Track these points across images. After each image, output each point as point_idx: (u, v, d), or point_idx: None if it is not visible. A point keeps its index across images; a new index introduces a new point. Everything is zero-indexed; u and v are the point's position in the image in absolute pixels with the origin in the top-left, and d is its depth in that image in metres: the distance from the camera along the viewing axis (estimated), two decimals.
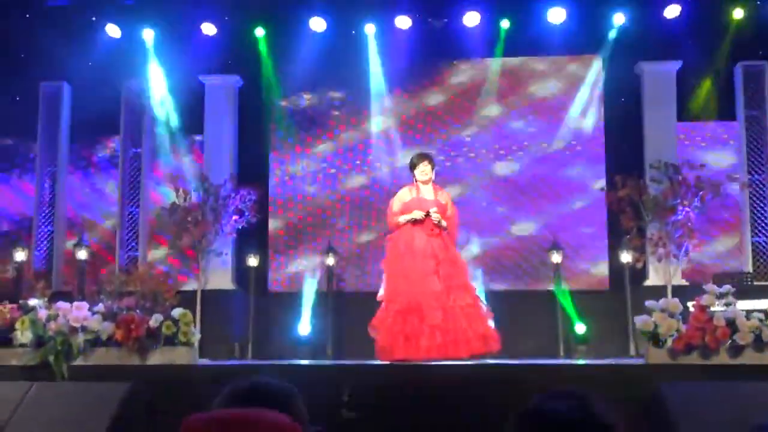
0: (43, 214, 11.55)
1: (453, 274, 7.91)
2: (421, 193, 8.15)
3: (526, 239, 11.22)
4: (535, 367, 7.48)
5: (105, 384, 6.43)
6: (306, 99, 11.74)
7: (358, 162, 11.59)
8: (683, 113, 11.11)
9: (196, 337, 7.45)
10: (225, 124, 11.54)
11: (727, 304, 6.98)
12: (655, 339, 6.90)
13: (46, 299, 7.76)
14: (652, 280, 10.44)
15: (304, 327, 10.63)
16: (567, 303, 10.26)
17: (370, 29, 11.26)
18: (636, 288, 10.01)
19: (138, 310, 7.37)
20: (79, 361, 7.15)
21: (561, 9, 10.86)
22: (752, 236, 10.94)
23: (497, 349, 7.73)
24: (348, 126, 11.67)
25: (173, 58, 11.31)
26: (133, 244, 11.40)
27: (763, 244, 10.97)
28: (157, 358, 7.22)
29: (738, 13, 10.75)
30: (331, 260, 10.63)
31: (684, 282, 9.97)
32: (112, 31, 11.14)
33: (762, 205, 11.02)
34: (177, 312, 7.34)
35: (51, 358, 7.04)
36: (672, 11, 10.73)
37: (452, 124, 11.53)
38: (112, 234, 11.45)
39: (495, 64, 11.41)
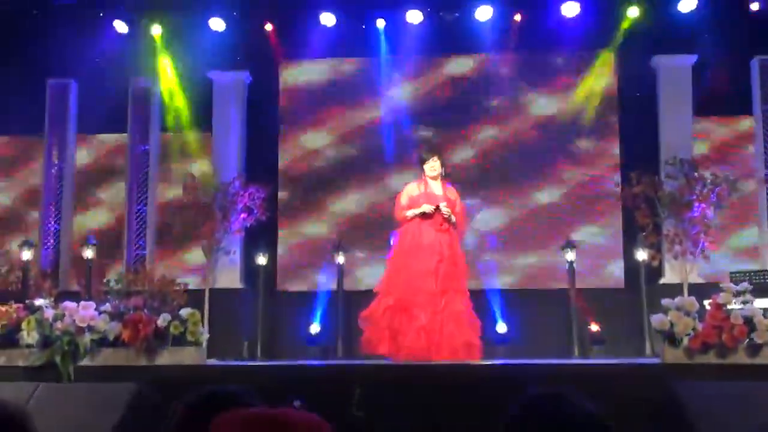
0: (50, 213, 11.57)
1: (452, 275, 7.89)
2: (429, 189, 8.13)
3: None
4: (549, 367, 7.44)
5: (112, 385, 6.42)
6: (315, 95, 11.73)
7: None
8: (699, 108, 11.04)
9: (205, 337, 7.45)
10: (234, 120, 11.53)
11: (745, 302, 6.93)
12: (671, 338, 6.86)
13: (52, 299, 7.78)
14: (668, 277, 10.39)
15: (314, 326, 10.62)
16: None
17: (380, 24, 11.25)
18: (652, 286, 9.96)
19: (145, 310, 7.36)
20: (85, 362, 7.16)
21: (575, 2, 10.80)
22: None
23: (478, 359, 7.72)
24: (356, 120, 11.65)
25: (181, 55, 11.31)
26: (141, 242, 11.40)
27: None
28: (165, 358, 7.22)
29: (754, 6, 10.66)
30: (341, 258, 10.60)
31: (700, 280, 9.91)
32: (120, 27, 11.14)
33: None
34: (185, 311, 7.34)
35: (57, 359, 7.05)
36: (687, 4, 10.65)
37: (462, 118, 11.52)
38: (119, 233, 11.46)
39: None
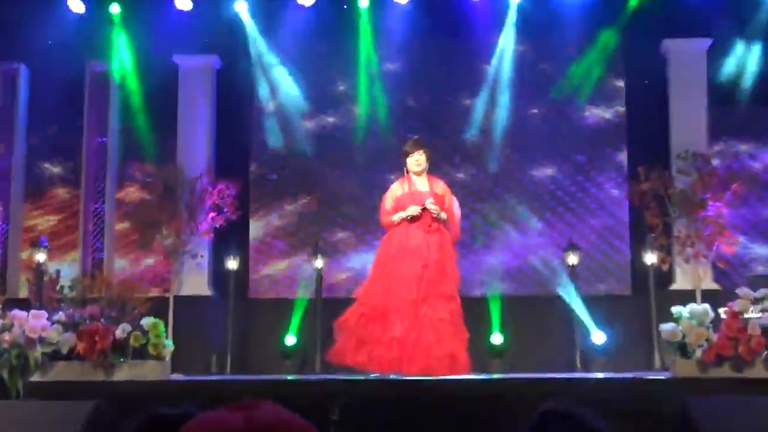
0: None
1: (437, 280, 7.85)
2: (414, 186, 8.12)
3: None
4: (547, 382, 7.46)
5: (66, 402, 6.39)
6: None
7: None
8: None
9: (169, 350, 7.44)
10: (201, 109, 11.46)
11: (764, 310, 6.95)
12: (683, 350, 6.90)
13: None
14: (680, 283, 10.39)
15: (290, 337, 10.60)
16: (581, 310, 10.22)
17: (363, 3, 11.24)
18: (661, 292, 9.99)
19: (103, 320, 7.34)
20: (36, 377, 7.14)
21: None
22: None
23: (463, 373, 7.66)
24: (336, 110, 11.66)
25: (143, 36, 11.24)
26: (98, 244, 11.36)
27: None
28: (125, 373, 7.22)
29: None
30: (319, 262, 10.58)
31: (715, 285, 9.95)
32: (75, 6, 11.08)
33: None
34: (147, 321, 7.33)
35: (5, 374, 7.03)
36: None
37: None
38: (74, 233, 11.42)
39: None
